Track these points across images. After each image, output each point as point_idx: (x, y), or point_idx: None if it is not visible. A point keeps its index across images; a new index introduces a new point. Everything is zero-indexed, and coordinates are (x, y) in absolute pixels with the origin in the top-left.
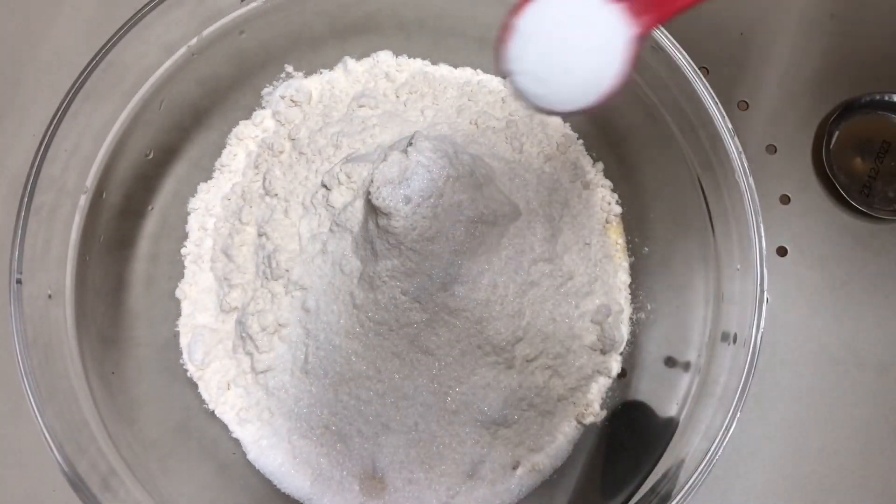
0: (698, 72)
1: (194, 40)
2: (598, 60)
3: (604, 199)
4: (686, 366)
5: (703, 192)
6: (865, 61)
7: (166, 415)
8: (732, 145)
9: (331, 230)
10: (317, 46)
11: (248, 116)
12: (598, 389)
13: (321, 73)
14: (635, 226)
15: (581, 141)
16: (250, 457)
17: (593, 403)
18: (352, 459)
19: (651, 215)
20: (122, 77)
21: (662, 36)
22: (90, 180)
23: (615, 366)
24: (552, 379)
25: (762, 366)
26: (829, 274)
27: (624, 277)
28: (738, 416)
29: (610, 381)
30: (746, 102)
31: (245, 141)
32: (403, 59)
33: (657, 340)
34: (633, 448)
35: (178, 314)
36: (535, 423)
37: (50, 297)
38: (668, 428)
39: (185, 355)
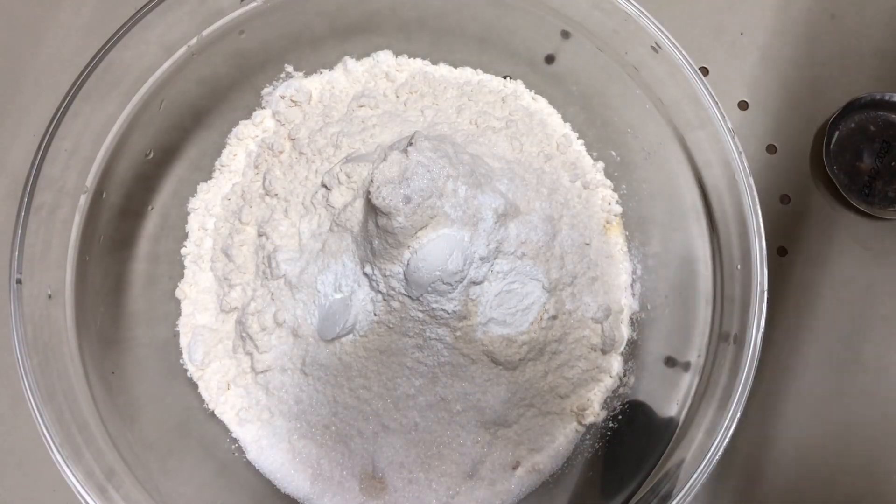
0: (698, 72)
1: (194, 40)
2: None
3: (604, 199)
4: (686, 366)
5: (704, 192)
6: (865, 61)
7: (166, 415)
8: (732, 145)
9: (331, 230)
10: (317, 46)
11: (248, 116)
12: (598, 389)
13: (321, 72)
14: (635, 226)
15: (581, 141)
16: (250, 457)
17: (593, 403)
18: (352, 459)
19: (651, 215)
20: (122, 77)
21: (662, 36)
22: (90, 180)
23: (615, 366)
24: (552, 379)
25: (762, 366)
26: (829, 274)
27: (624, 277)
28: (738, 416)
29: (610, 381)
30: (746, 102)
31: (245, 141)
32: (403, 59)
33: (657, 340)
34: (634, 448)
35: (178, 314)
36: (535, 423)
37: (50, 297)
38: (668, 428)
39: (185, 355)
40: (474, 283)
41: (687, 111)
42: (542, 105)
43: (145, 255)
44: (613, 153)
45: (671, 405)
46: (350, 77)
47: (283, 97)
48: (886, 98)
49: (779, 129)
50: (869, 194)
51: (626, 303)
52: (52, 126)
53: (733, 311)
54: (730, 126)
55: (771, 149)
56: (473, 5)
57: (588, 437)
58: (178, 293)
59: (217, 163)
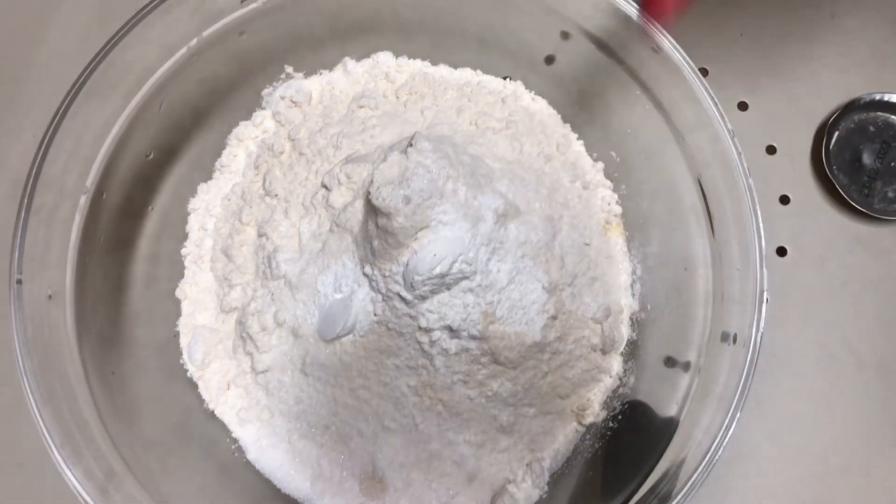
0: (698, 72)
1: (194, 41)
2: None
3: (604, 199)
4: (686, 366)
5: (703, 192)
6: (865, 61)
7: (166, 415)
8: (732, 145)
9: (331, 230)
10: (317, 47)
11: (248, 117)
12: (598, 389)
13: (321, 73)
14: (635, 226)
15: (581, 141)
16: (250, 457)
17: (593, 403)
18: (352, 460)
19: (651, 215)
20: (122, 77)
21: (662, 36)
22: (90, 180)
23: (615, 366)
24: (552, 379)
25: (762, 366)
26: (829, 274)
27: (624, 277)
28: (738, 416)
29: (610, 381)
30: (746, 102)
31: (245, 141)
32: (403, 59)
33: (657, 340)
34: (633, 448)
35: (178, 314)
36: (535, 423)
37: (50, 297)
38: (668, 428)
39: (185, 355)
40: (473, 283)
41: (687, 112)
42: (541, 106)
43: (145, 255)
44: (613, 153)
45: (671, 405)
46: (350, 78)
47: (283, 98)
48: (886, 98)
49: (779, 129)
50: (869, 194)
51: (626, 303)
52: (52, 126)
53: (733, 311)
54: (730, 126)
55: (771, 149)
56: (473, 5)
57: (588, 437)
58: (178, 293)
59: (217, 163)
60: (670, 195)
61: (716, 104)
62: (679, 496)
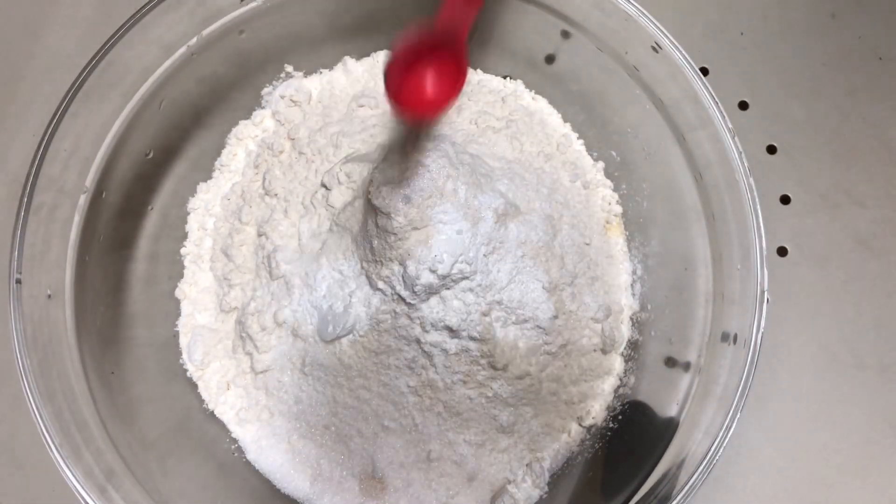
0: (698, 72)
1: (194, 40)
2: None
3: (604, 199)
4: (686, 366)
5: (704, 192)
6: (865, 61)
7: (166, 415)
8: (732, 145)
9: (331, 230)
10: (317, 46)
11: (247, 116)
12: (598, 390)
13: (321, 72)
14: (635, 225)
15: (581, 141)
16: (250, 457)
17: (594, 404)
18: (351, 460)
19: (651, 215)
20: (121, 77)
21: (662, 36)
22: (90, 180)
23: (616, 366)
24: (553, 379)
25: (762, 366)
26: (829, 274)
27: (624, 277)
28: (738, 416)
29: (610, 381)
30: (746, 102)
31: (245, 141)
32: None
33: (657, 340)
34: (634, 448)
35: (178, 314)
36: (535, 423)
37: (49, 297)
38: (668, 428)
39: (184, 355)
40: (473, 283)
41: (687, 111)
42: (542, 105)
43: (145, 255)
44: (613, 153)
45: (671, 405)
46: (350, 77)
47: (282, 97)
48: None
49: (779, 129)
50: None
51: (627, 303)
52: (52, 126)
53: (733, 311)
54: (730, 126)
55: (771, 148)
56: None
57: (588, 437)
58: (177, 293)
59: (217, 163)
60: (671, 195)
61: (716, 103)
62: (679, 496)
